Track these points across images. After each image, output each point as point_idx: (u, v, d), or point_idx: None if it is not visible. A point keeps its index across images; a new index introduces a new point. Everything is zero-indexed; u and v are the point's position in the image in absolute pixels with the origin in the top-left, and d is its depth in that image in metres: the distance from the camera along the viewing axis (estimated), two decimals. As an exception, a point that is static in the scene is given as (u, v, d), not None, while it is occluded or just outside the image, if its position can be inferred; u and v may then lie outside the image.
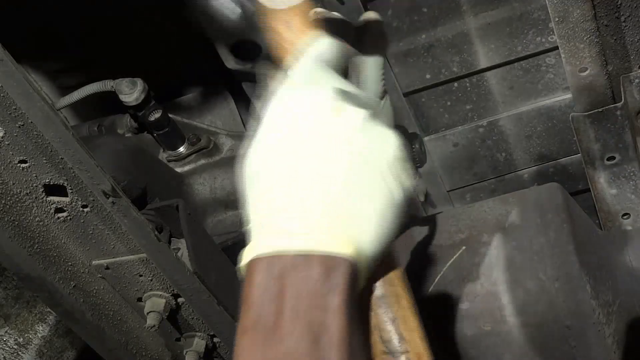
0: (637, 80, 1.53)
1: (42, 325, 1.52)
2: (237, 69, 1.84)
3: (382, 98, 0.84)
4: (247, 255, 0.69)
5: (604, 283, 1.52)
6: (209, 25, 1.76)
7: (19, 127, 1.12)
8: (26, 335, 1.48)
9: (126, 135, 1.76)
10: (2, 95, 1.09)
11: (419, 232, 1.67)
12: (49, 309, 1.47)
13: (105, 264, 1.35)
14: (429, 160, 2.09)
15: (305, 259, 0.64)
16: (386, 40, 0.90)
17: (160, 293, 1.39)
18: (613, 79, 1.55)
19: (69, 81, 2.00)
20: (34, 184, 1.20)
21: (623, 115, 1.57)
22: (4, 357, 1.44)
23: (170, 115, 1.72)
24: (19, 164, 1.16)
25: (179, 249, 1.43)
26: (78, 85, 1.69)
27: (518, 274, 1.52)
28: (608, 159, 1.65)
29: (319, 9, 0.86)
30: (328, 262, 0.65)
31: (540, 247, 1.52)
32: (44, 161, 1.17)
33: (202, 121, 1.94)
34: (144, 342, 1.50)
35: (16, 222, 1.22)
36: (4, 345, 1.44)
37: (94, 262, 1.35)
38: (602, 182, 1.70)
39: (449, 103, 2.06)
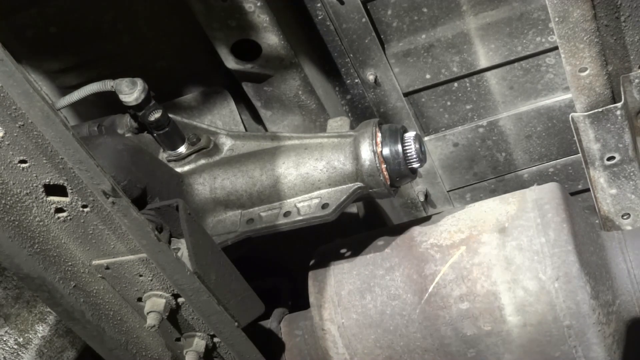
0: (637, 80, 1.54)
1: (42, 325, 1.52)
2: (237, 69, 1.84)
3: None
4: None
5: (604, 283, 1.52)
6: (208, 25, 1.76)
7: (19, 127, 1.12)
8: (26, 335, 1.48)
9: (126, 135, 1.76)
10: (2, 95, 1.09)
11: (419, 232, 1.67)
12: (49, 309, 1.47)
13: (105, 264, 1.35)
14: (429, 160, 2.09)
15: None
16: None
17: (160, 293, 1.39)
18: (613, 79, 1.55)
19: (69, 81, 2.00)
20: (34, 184, 1.20)
21: (623, 115, 1.57)
22: (4, 357, 1.44)
23: (170, 115, 1.72)
24: (19, 164, 1.16)
25: (179, 249, 1.43)
26: (78, 85, 1.69)
27: (518, 274, 1.52)
28: (608, 159, 1.65)
29: None
30: None
31: (540, 247, 1.52)
32: (44, 161, 1.17)
33: (202, 121, 1.94)
34: (144, 342, 1.50)
35: (16, 222, 1.22)
36: (4, 345, 1.44)
37: (94, 262, 1.35)
38: (602, 182, 1.70)
39: (449, 103, 2.06)
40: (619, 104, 1.56)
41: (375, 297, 1.62)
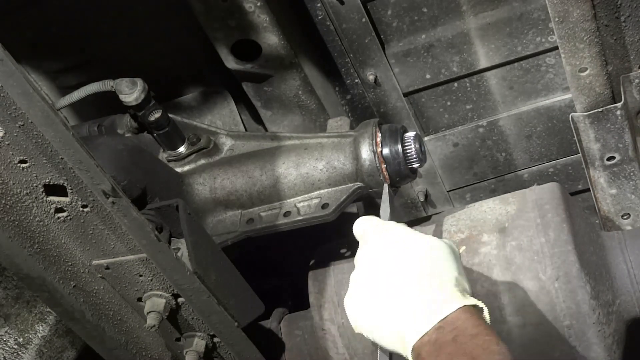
0: (637, 80, 1.53)
1: (42, 325, 1.52)
2: (237, 69, 1.84)
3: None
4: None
5: (604, 283, 1.52)
6: (208, 25, 1.76)
7: (19, 127, 1.12)
8: (26, 335, 1.48)
9: (126, 135, 1.76)
10: (2, 95, 1.09)
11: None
12: (49, 309, 1.48)
13: (105, 264, 1.35)
14: (429, 160, 2.09)
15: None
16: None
17: (160, 293, 1.39)
18: (613, 79, 1.55)
19: (69, 81, 2.00)
20: (34, 184, 1.20)
21: (623, 115, 1.57)
22: (4, 357, 1.44)
23: (170, 115, 1.72)
24: (19, 164, 1.16)
25: (179, 249, 1.43)
26: (78, 85, 1.69)
27: (518, 274, 1.52)
28: (608, 159, 1.65)
29: None
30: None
31: (540, 247, 1.52)
32: (44, 161, 1.17)
33: (202, 121, 1.94)
34: (144, 342, 1.50)
35: (16, 222, 1.22)
36: (4, 345, 1.44)
37: (94, 262, 1.35)
38: (602, 182, 1.70)
39: (449, 103, 2.06)
40: (619, 104, 1.56)
41: (375, 297, 1.62)
